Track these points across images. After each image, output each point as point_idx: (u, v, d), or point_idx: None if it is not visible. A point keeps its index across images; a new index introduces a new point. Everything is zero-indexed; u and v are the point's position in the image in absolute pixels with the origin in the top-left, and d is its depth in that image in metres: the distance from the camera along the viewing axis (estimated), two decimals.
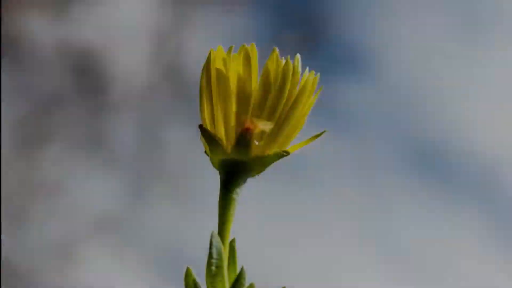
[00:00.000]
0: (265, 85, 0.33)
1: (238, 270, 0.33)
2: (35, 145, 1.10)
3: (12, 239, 1.04)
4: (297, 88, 0.34)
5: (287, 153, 0.34)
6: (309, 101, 0.34)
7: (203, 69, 0.35)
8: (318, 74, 0.34)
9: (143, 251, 1.04)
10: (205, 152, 0.35)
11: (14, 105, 1.07)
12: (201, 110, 0.35)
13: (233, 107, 0.33)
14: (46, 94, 1.08)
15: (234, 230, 0.34)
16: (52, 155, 1.11)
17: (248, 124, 0.33)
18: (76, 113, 1.11)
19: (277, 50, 0.33)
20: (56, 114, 1.10)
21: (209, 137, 0.34)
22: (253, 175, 0.35)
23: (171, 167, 1.14)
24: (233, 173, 0.34)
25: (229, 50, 0.34)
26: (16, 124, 1.07)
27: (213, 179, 0.39)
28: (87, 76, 1.08)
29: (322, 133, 0.35)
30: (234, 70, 0.34)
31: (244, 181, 0.34)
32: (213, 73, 0.34)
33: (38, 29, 1.08)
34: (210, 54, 0.34)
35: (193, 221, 1.01)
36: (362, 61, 1.10)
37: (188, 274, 0.33)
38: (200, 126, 0.34)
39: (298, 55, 0.34)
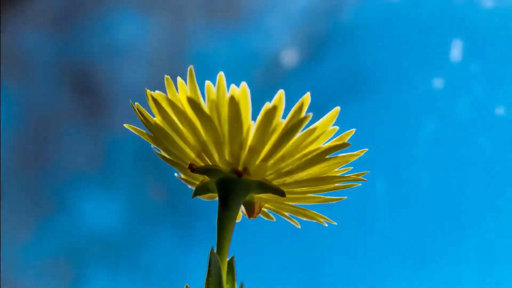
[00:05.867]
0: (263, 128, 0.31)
1: None
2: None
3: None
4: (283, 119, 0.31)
5: (282, 194, 0.33)
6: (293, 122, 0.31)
7: (164, 105, 0.32)
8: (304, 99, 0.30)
9: (141, 270, 1.04)
10: (196, 190, 0.34)
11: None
12: (179, 151, 0.33)
13: (225, 136, 0.32)
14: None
15: (232, 247, 0.34)
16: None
17: (240, 171, 0.33)
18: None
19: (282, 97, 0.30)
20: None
21: (204, 170, 0.33)
22: (252, 196, 0.34)
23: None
24: (231, 191, 0.33)
25: (190, 74, 0.32)
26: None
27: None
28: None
29: (341, 198, 0.35)
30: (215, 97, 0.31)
31: (243, 199, 0.34)
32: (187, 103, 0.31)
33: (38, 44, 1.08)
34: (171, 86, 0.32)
35: (192, 239, 1.01)
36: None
37: None
38: (191, 167, 0.33)
39: (282, 91, 0.30)
